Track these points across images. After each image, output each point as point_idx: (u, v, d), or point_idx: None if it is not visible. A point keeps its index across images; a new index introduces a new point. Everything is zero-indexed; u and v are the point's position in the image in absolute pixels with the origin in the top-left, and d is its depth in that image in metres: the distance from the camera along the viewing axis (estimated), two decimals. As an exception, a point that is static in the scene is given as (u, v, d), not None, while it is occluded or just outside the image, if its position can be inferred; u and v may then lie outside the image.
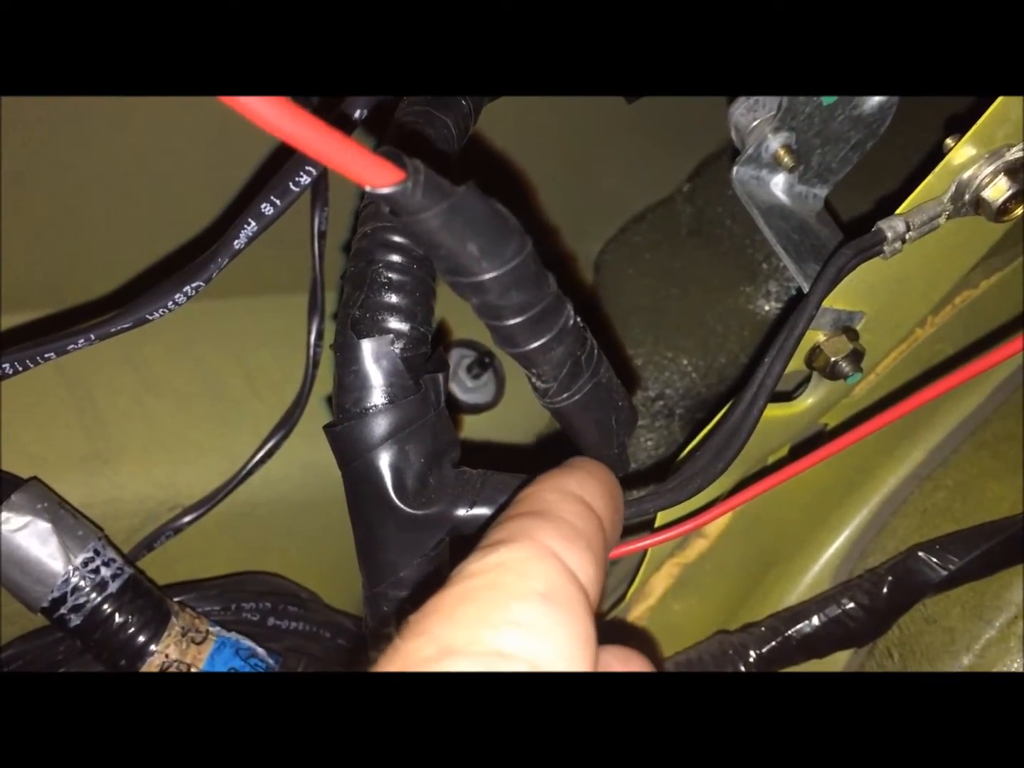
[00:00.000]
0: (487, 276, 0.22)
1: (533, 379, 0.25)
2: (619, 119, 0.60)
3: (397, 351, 0.32)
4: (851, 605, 0.51)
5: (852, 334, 0.44)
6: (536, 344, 0.24)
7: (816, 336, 0.44)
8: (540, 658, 0.20)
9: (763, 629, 0.53)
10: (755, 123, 0.44)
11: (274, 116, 0.17)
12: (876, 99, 0.43)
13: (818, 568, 0.59)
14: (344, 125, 0.36)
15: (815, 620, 0.51)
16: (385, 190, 0.20)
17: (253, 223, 0.35)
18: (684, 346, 0.64)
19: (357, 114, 0.36)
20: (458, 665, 0.19)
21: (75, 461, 0.53)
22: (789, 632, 0.52)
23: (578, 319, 0.25)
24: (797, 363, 0.44)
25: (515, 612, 0.21)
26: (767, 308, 0.63)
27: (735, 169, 0.44)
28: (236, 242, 0.35)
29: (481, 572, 0.22)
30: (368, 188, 0.20)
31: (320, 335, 0.52)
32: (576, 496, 0.26)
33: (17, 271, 0.50)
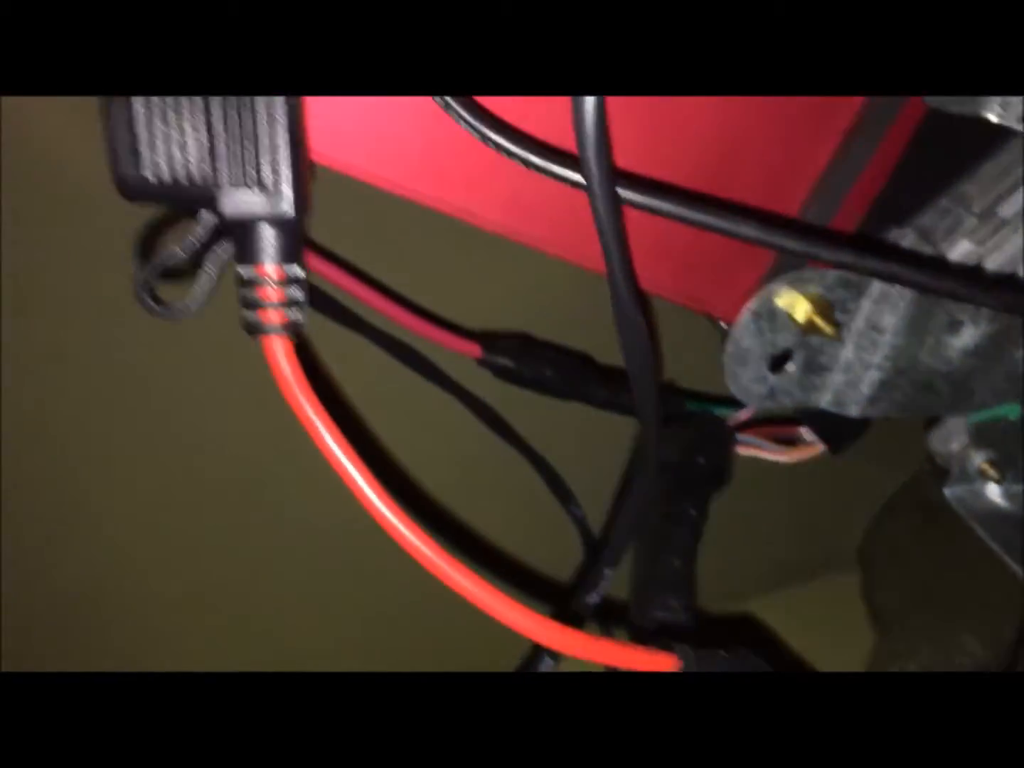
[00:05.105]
0: None
1: None
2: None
3: None
4: None
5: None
6: None
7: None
8: None
9: None
10: (953, 448, 0.50)
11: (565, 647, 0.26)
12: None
13: None
14: (580, 615, 0.40)
15: None
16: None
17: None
18: (965, 624, 0.66)
19: (593, 599, 0.40)
20: None
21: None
22: None
23: None
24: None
25: None
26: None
27: (946, 491, 0.49)
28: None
29: None
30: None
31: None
32: None
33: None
